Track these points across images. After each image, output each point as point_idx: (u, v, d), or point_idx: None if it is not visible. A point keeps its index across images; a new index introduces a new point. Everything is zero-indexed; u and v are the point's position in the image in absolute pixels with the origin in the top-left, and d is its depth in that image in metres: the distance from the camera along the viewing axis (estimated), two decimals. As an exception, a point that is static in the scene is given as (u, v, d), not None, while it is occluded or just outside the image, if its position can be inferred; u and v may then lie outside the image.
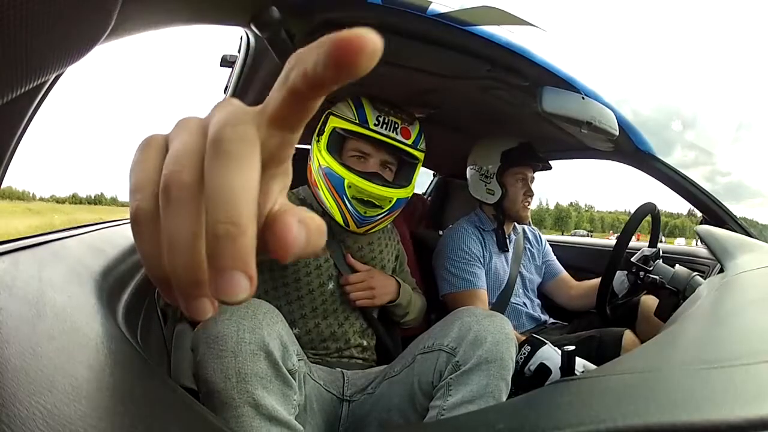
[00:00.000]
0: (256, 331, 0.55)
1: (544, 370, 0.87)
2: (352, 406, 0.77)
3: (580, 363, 0.87)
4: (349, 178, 0.80)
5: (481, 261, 1.15)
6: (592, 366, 0.87)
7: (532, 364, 0.89)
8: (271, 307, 0.60)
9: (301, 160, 0.91)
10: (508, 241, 1.22)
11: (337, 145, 0.84)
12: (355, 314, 0.88)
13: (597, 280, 1.13)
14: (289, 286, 0.83)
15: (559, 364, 0.87)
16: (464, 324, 0.68)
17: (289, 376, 0.58)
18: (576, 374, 0.84)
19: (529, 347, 0.91)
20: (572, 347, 0.88)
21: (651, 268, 1.03)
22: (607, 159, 1.28)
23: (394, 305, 0.92)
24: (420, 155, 0.86)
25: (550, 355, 0.89)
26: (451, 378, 0.66)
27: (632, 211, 1.04)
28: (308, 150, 0.92)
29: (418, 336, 0.77)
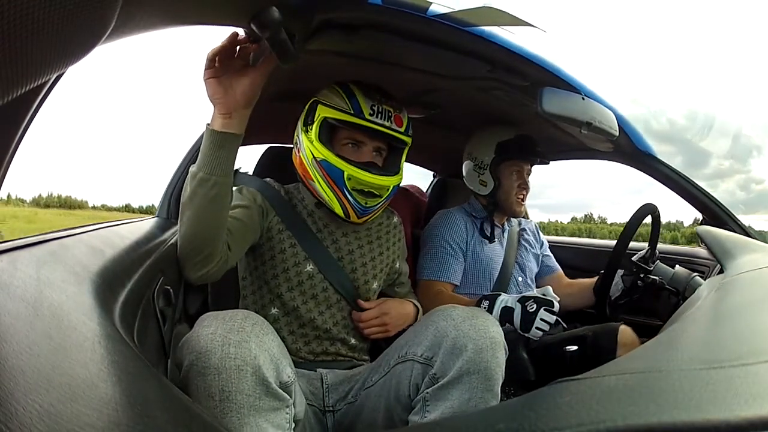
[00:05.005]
0: (243, 345, 0.51)
1: (507, 310, 0.88)
2: (336, 416, 0.74)
3: (540, 290, 0.89)
4: (348, 170, 0.77)
5: (464, 251, 1.13)
6: (549, 290, 0.88)
7: (496, 314, 0.89)
8: (260, 318, 0.56)
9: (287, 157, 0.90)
10: (502, 231, 1.21)
11: (329, 134, 0.80)
12: (340, 305, 0.85)
13: (590, 280, 1.13)
14: (266, 264, 0.83)
15: (518, 298, 0.87)
16: (439, 329, 0.62)
17: (281, 391, 0.54)
18: (549, 299, 0.86)
19: (487, 301, 0.91)
20: (574, 347, 0.88)
21: (651, 268, 1.03)
22: (607, 159, 1.28)
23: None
24: (409, 140, 0.85)
25: (507, 298, 0.89)
26: (427, 392, 0.61)
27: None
28: (290, 148, 0.89)
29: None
